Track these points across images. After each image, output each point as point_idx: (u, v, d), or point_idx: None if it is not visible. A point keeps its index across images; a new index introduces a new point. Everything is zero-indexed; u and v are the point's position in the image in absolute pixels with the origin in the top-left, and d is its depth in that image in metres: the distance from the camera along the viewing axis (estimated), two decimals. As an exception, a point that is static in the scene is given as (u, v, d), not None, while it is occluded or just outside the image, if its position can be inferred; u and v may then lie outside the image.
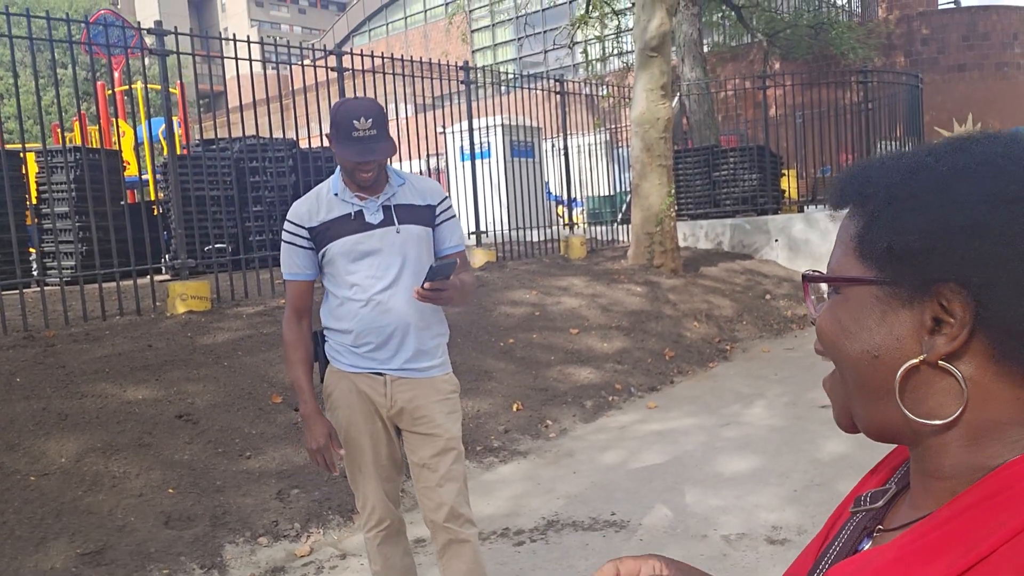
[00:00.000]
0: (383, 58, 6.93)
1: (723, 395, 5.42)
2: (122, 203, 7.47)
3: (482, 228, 8.31)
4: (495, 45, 29.36)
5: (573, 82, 9.82)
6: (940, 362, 0.54)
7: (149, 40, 5.43)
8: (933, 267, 0.53)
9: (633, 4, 17.55)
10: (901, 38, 16.32)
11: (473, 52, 27.93)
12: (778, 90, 11.24)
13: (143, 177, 12.88)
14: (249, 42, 5.94)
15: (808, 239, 9.43)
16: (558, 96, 9.22)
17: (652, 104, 7.43)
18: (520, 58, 27.53)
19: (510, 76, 8.84)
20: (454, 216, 2.42)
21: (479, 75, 8.45)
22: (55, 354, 4.51)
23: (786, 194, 11.21)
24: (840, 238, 0.61)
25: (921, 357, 0.54)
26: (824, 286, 0.62)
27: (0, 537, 3.15)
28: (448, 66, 7.71)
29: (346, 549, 3.43)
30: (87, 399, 4.04)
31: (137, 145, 11.89)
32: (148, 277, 5.79)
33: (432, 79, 7.56)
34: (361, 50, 6.88)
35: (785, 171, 11.23)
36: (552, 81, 9.35)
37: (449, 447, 2.31)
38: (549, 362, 5.72)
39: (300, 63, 6.28)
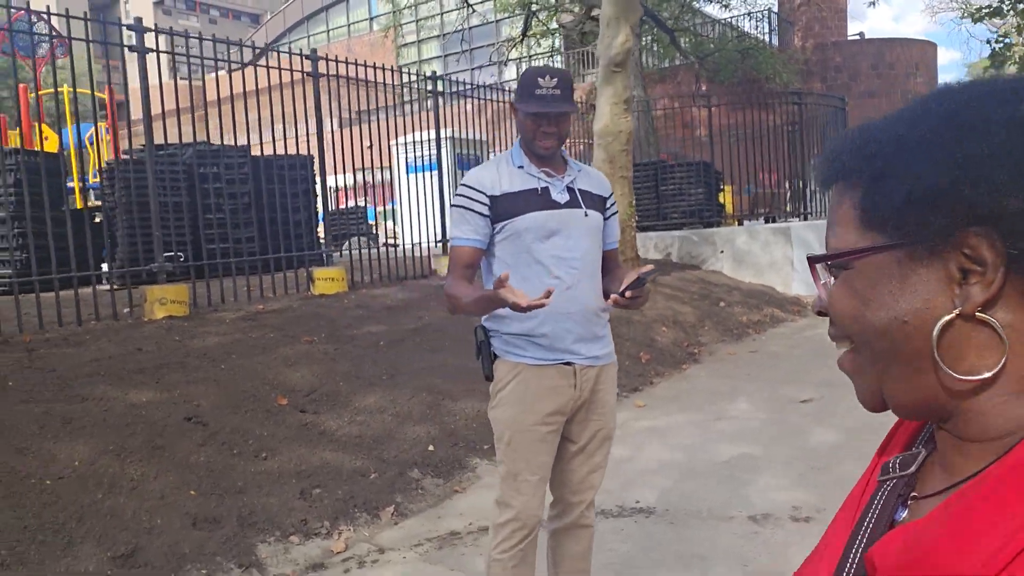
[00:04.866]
0: (356, 64, 6.92)
1: (704, 394, 5.66)
2: (63, 208, 7.17)
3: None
4: (420, 61, 29.43)
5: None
6: (977, 313, 0.51)
7: (127, 37, 5.25)
8: (956, 208, 0.50)
9: (561, 25, 18.05)
10: (817, 65, 17.39)
11: (399, 68, 27.87)
12: (712, 110, 11.79)
13: (68, 184, 12.23)
14: (228, 42, 5.82)
15: (750, 250, 9.91)
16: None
17: (615, 117, 7.70)
18: (447, 75, 27.68)
19: (468, 86, 8.93)
20: (617, 212, 2.42)
21: (425, 86, 8.52)
22: (40, 358, 4.30)
23: (725, 209, 11.74)
24: (835, 216, 0.59)
25: (956, 311, 0.51)
26: (821, 270, 0.60)
27: (23, 542, 2.99)
28: (416, 75, 7.75)
29: (382, 544, 3.42)
30: (89, 402, 3.87)
31: (62, 150, 11.34)
32: (90, 285, 5.56)
33: (388, 86, 7.60)
34: (327, 54, 6.84)
35: (724, 187, 11.76)
36: (510, 93, 9.51)
37: (609, 435, 2.33)
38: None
39: (278, 66, 6.19)
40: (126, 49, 5.24)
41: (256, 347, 4.94)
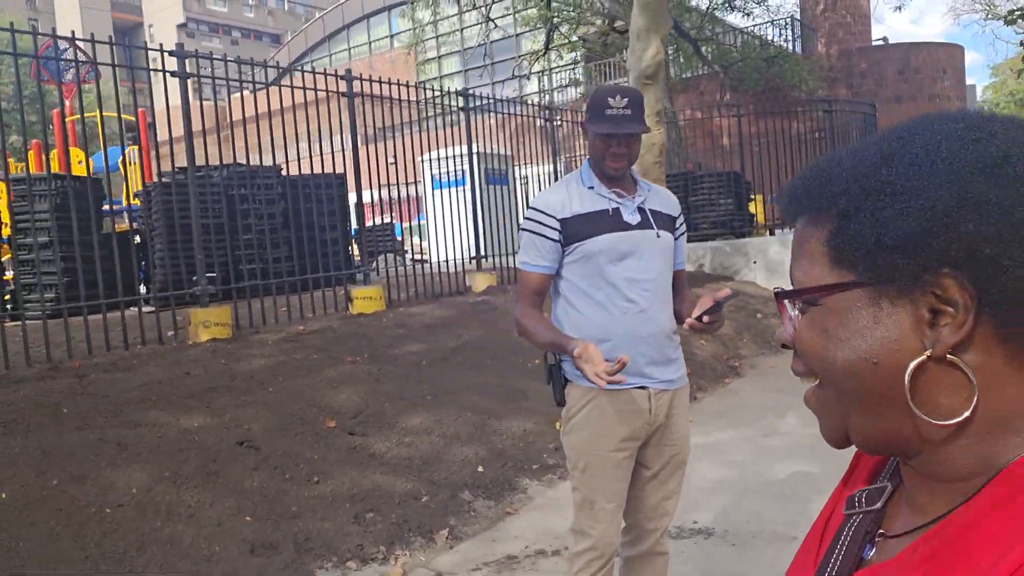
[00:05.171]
0: (389, 83, 6.96)
1: (751, 408, 5.57)
2: (105, 233, 7.25)
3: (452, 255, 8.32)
4: (441, 76, 29.59)
5: (563, 109, 10.01)
6: (948, 355, 0.50)
7: (170, 63, 5.30)
8: (927, 253, 0.50)
9: (581, 38, 18.07)
10: (842, 71, 17.26)
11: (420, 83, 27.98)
12: (735, 120, 11.72)
13: (102, 208, 12.45)
14: (266, 65, 5.87)
15: (783, 260, 9.79)
16: (546, 123, 9.39)
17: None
18: (470, 90, 27.72)
19: (499, 101, 8.94)
20: (685, 231, 2.38)
21: (456, 101, 8.53)
22: (91, 383, 4.32)
23: (756, 218, 11.64)
24: (802, 250, 0.58)
25: (927, 353, 0.51)
26: (787, 302, 0.59)
27: (85, 571, 2.99)
28: (446, 92, 7.78)
29: (440, 568, 3.39)
30: (142, 428, 3.88)
31: (108, 174, 11.55)
32: (129, 308, 5.61)
33: (418, 103, 7.63)
34: (361, 74, 6.88)
35: (753, 196, 11.67)
36: (541, 107, 9.52)
37: (684, 461, 2.29)
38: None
39: (314, 85, 6.24)
40: (167, 74, 5.29)
41: (301, 369, 4.94)
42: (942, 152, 0.51)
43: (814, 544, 0.64)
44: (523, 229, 2.24)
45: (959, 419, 0.51)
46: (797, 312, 0.58)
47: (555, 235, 2.19)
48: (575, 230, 2.18)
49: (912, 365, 0.51)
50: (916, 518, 0.55)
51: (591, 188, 2.22)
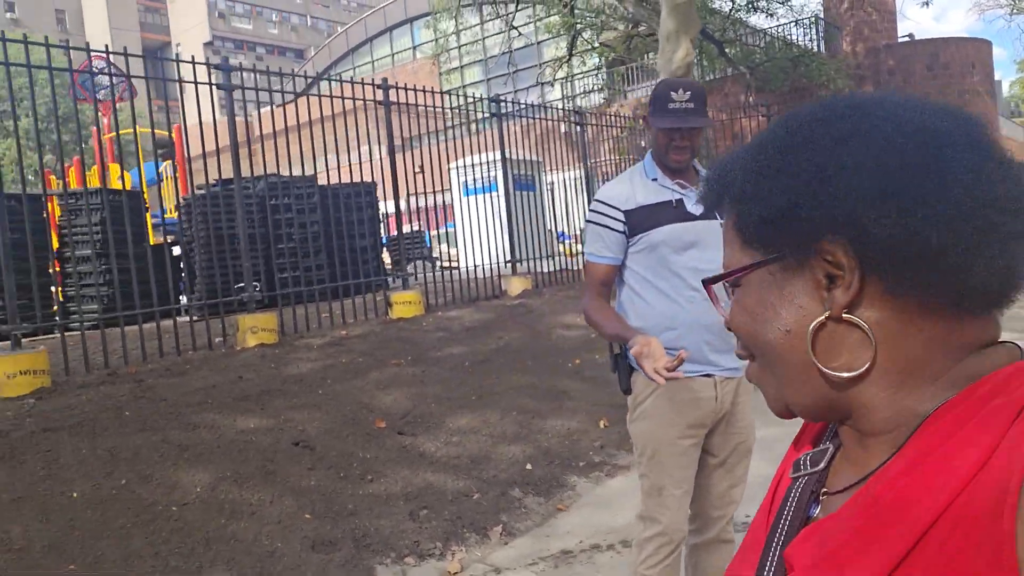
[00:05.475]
0: (425, 91, 7.07)
1: (792, 405, 5.56)
2: (146, 245, 7.43)
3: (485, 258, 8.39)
4: (464, 85, 29.77)
5: (592, 113, 10.06)
6: (845, 315, 0.55)
7: (216, 75, 5.45)
8: (801, 223, 0.54)
9: (603, 43, 18.12)
10: (870, 69, 17.11)
11: (450, 91, 28.19)
12: (762, 120, 11.69)
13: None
14: (306, 76, 5.99)
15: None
16: (575, 127, 9.45)
17: (679, 131, 7.69)
18: (492, 98, 27.82)
19: (531, 106, 9.02)
20: None
21: (488, 108, 8.62)
22: (149, 388, 4.45)
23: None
24: (724, 238, 0.64)
25: (826, 314, 0.55)
26: (723, 289, 0.64)
27: (156, 568, 3.09)
28: (479, 99, 7.87)
29: (497, 564, 3.44)
30: (201, 430, 3.99)
31: (157, 188, 11.82)
32: (176, 316, 5.74)
33: (450, 110, 7.72)
34: (396, 82, 7.00)
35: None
36: (569, 112, 9.58)
37: (749, 449, 2.31)
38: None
39: (352, 95, 6.35)
40: (213, 87, 5.43)
41: (348, 372, 5.04)
42: (804, 133, 0.57)
43: (766, 508, 0.67)
44: (588, 221, 2.29)
45: (859, 371, 0.55)
46: (732, 297, 0.63)
47: (620, 226, 2.23)
48: (639, 220, 2.22)
49: (812, 326, 0.56)
50: (854, 473, 0.58)
51: (654, 180, 2.27)
